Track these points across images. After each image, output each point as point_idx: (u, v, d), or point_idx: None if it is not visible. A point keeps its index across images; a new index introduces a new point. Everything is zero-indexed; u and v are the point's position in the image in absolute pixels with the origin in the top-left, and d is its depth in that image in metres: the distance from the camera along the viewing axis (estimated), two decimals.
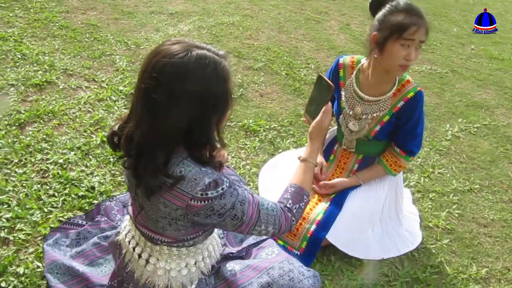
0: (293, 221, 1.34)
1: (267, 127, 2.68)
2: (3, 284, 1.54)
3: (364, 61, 1.90)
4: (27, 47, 3.04)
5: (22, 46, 3.04)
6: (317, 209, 1.93)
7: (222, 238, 1.71)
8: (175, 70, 1.11)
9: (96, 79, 2.84)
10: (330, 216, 1.89)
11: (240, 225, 1.27)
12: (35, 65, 2.87)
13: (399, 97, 1.82)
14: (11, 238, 1.72)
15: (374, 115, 1.87)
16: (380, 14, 1.73)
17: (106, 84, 2.80)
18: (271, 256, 1.62)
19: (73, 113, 2.49)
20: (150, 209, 1.26)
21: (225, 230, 1.36)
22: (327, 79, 1.44)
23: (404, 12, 1.66)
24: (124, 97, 2.69)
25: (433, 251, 2.03)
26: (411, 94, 1.81)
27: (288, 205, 1.35)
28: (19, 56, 2.92)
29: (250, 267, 1.52)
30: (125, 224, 1.48)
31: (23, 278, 1.57)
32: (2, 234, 1.73)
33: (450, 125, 3.03)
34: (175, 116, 1.13)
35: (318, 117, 1.45)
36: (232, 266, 1.53)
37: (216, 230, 1.59)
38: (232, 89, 1.21)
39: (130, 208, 1.42)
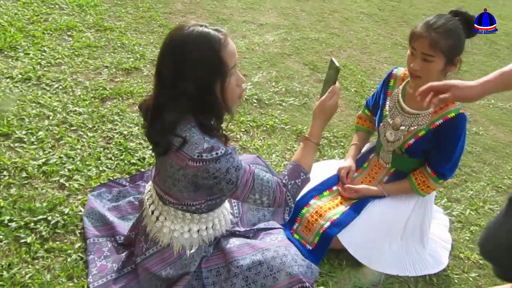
0: (288, 196, 1.42)
1: None
2: (49, 218, 1.84)
3: None
4: (128, 38, 3.49)
5: (123, 37, 3.50)
6: (335, 210, 1.97)
7: (237, 217, 1.84)
8: (180, 40, 1.31)
9: None
10: (346, 218, 1.92)
11: (235, 190, 1.39)
12: (129, 53, 3.29)
13: (439, 115, 1.81)
14: (67, 185, 2.04)
15: (412, 128, 1.88)
16: None
17: None
18: (274, 241, 1.72)
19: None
20: (162, 169, 1.46)
21: (223, 194, 1.46)
22: (336, 62, 1.52)
23: (423, 22, 1.72)
24: None
25: (455, 280, 1.95)
26: (452, 114, 1.79)
27: (284, 181, 1.44)
28: (119, 45, 3.37)
29: (248, 245, 1.63)
30: (149, 183, 1.69)
31: (66, 217, 1.87)
32: (61, 181, 2.05)
33: None
34: (179, 81, 1.31)
35: (324, 96, 1.53)
36: (233, 240, 1.65)
37: (228, 207, 1.73)
38: (227, 59, 1.34)
39: (153, 170, 1.63)
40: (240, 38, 3.90)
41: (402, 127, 1.90)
